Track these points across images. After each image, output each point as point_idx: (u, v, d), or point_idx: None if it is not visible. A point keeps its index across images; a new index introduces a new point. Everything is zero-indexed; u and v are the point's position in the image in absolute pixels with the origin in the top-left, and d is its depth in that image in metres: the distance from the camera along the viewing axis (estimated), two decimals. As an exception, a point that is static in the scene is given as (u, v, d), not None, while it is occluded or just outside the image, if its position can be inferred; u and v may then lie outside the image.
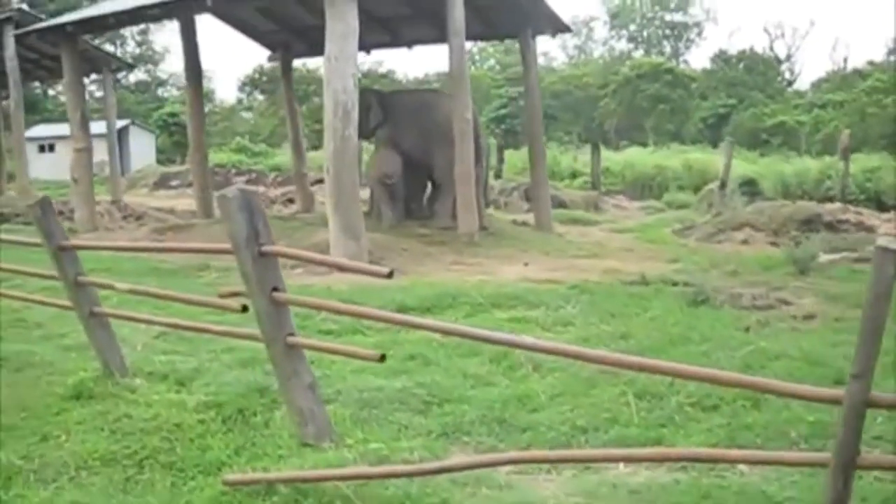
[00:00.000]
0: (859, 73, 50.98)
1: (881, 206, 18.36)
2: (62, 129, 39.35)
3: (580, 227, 17.96)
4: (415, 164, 14.79)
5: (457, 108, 13.42)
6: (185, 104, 46.75)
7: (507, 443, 5.06)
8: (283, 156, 33.27)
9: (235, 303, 4.96)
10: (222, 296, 5.16)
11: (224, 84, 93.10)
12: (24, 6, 26.86)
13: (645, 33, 74.05)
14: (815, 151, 36.94)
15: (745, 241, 14.59)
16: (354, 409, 5.48)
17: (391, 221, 14.50)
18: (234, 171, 28.92)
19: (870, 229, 14.57)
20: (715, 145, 41.22)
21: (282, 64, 18.65)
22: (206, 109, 51.26)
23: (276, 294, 4.71)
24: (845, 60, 56.42)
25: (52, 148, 35.84)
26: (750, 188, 22.00)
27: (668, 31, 74.08)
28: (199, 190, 16.68)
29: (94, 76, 25.22)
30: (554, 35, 16.20)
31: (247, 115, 50.23)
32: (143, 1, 13.77)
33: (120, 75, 44.59)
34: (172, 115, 41.77)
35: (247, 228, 4.61)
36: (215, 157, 35.91)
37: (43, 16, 21.81)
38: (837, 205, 16.07)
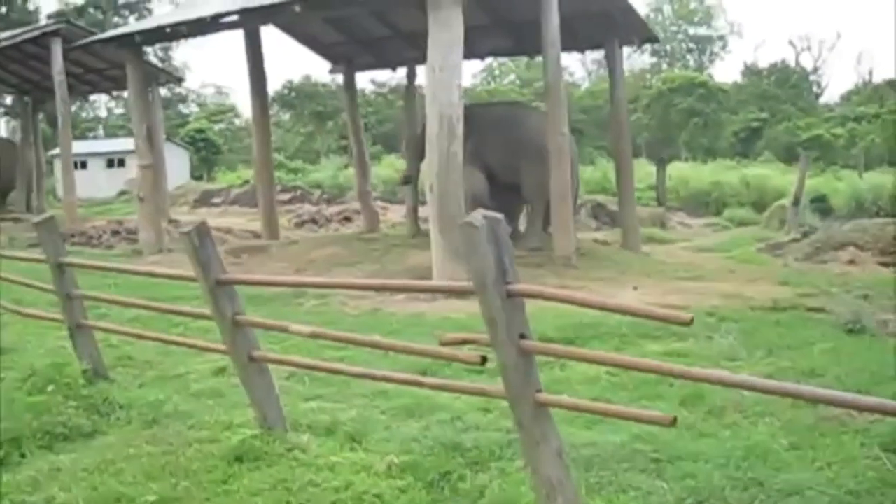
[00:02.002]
0: (891, 85, 50.20)
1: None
2: (92, 145, 38.85)
3: (659, 245, 17.08)
4: (501, 181, 13.93)
5: (553, 122, 12.62)
6: (209, 120, 47.12)
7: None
8: (320, 172, 32.58)
9: (473, 354, 4.10)
10: (446, 344, 4.28)
11: (244, 99, 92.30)
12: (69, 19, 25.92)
13: (668, 47, 73.26)
14: (852, 165, 36.24)
15: (851, 262, 13.72)
16: (580, 472, 4.64)
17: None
18: (279, 187, 27.94)
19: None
20: (747, 158, 40.49)
21: (345, 77, 17.85)
22: (233, 126, 51.36)
23: (524, 342, 3.86)
24: (870, 73, 55.70)
25: (84, 165, 34.91)
26: (821, 204, 21.14)
27: (692, 45, 73.40)
28: (265, 209, 15.83)
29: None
30: (640, 45, 15.38)
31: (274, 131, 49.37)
32: (213, 10, 13.04)
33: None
34: (200, 131, 41.11)
35: (495, 264, 3.76)
36: (246, 173, 35.33)
37: (94, 29, 21.09)
38: (938, 222, 15.19)
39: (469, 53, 16.53)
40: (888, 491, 4.47)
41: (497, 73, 69.62)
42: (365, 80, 57.04)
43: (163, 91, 56.20)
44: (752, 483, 4.53)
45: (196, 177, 38.10)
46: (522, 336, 3.87)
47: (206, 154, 40.89)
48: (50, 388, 6.04)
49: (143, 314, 8.78)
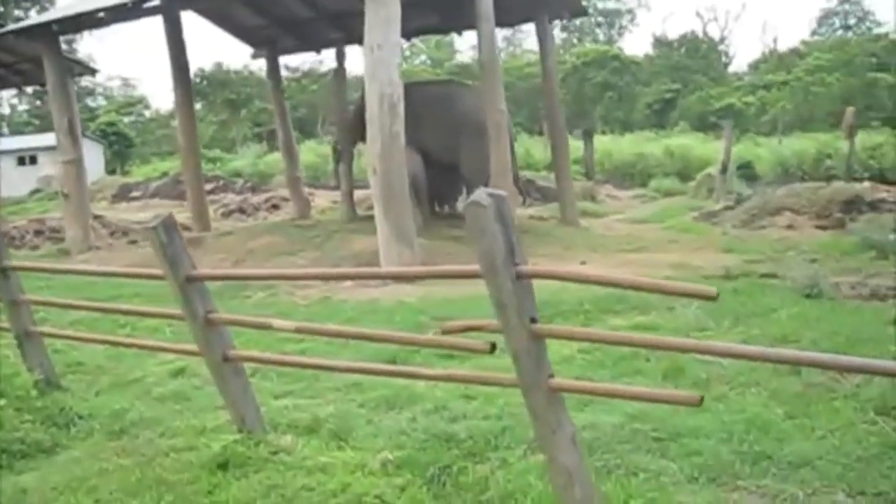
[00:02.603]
0: (797, 53, 51.32)
1: (888, 183, 17.80)
2: (1, 143, 37.07)
3: (594, 219, 17.06)
4: (437, 161, 13.68)
5: (490, 98, 12.42)
6: (118, 113, 45.63)
7: (793, 483, 4.13)
8: (239, 160, 31.85)
9: (481, 342, 3.87)
10: (448, 332, 4.04)
11: (151, 90, 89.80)
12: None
13: (578, 22, 73.51)
14: (765, 132, 36.92)
15: (790, 227, 13.85)
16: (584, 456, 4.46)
17: (417, 224, 13.37)
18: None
19: (913, 208, 13.97)
20: (663, 129, 40.94)
21: (268, 61, 17.30)
22: (142, 118, 49.88)
23: (535, 326, 3.66)
24: (775, 41, 56.88)
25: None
26: (747, 171, 21.40)
27: (601, 19, 73.76)
28: (195, 200, 15.27)
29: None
30: (570, 19, 15.21)
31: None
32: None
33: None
34: (111, 124, 39.79)
35: (504, 245, 3.55)
36: (163, 165, 34.34)
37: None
38: (867, 184, 15.44)
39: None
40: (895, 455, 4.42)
41: (408, 54, 69.05)
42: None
43: (69, 84, 54.41)
44: (760, 456, 4.44)
45: (110, 171, 36.84)
46: (533, 320, 3.68)
47: (118, 148, 39.57)
48: (1, 401, 5.63)
49: (86, 317, 8.37)
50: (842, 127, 19.81)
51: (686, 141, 28.41)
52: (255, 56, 17.37)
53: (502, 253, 3.53)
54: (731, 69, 58.66)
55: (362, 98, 15.23)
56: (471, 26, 17.19)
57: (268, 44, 16.86)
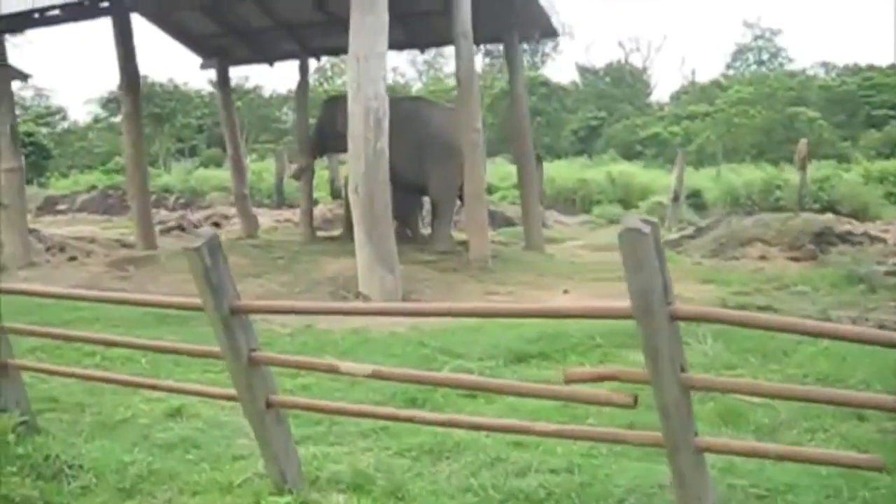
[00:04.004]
0: (718, 85, 52.39)
1: (839, 215, 17.85)
2: None
3: (551, 244, 16.61)
4: (402, 181, 13.01)
5: (466, 117, 11.86)
6: (36, 123, 43.68)
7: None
8: (168, 176, 30.70)
9: (620, 394, 3.28)
10: (574, 380, 3.43)
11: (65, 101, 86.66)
12: None
13: (500, 48, 73.60)
14: (690, 162, 37.36)
15: (762, 257, 13.61)
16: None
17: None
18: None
19: (880, 240, 13.89)
20: (588, 156, 41.05)
21: (218, 72, 16.43)
22: (59, 129, 47.88)
23: (685, 376, 3.12)
24: (693, 73, 58.02)
25: None
26: (696, 200, 21.33)
27: (524, 46, 74.17)
28: (140, 216, 14.26)
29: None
30: (539, 39, 14.77)
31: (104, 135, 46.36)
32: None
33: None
34: (29, 134, 37.88)
35: (662, 281, 2.99)
36: (84, 178, 32.85)
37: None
38: (829, 215, 15.38)
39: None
40: None
41: (329, 73, 68.29)
42: (202, 80, 54.68)
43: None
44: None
45: (26, 183, 35.03)
46: (682, 368, 3.13)
47: (35, 159, 37.68)
48: (-27, 449, 4.81)
49: (47, 344, 7.49)
50: (795, 158, 19.88)
51: (627, 168, 28.37)
52: (204, 66, 16.49)
53: (659, 290, 2.97)
54: (653, 99, 59.49)
55: (325, 112, 14.63)
56: (445, 42, 16.76)
57: (219, 54, 16.02)
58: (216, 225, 19.18)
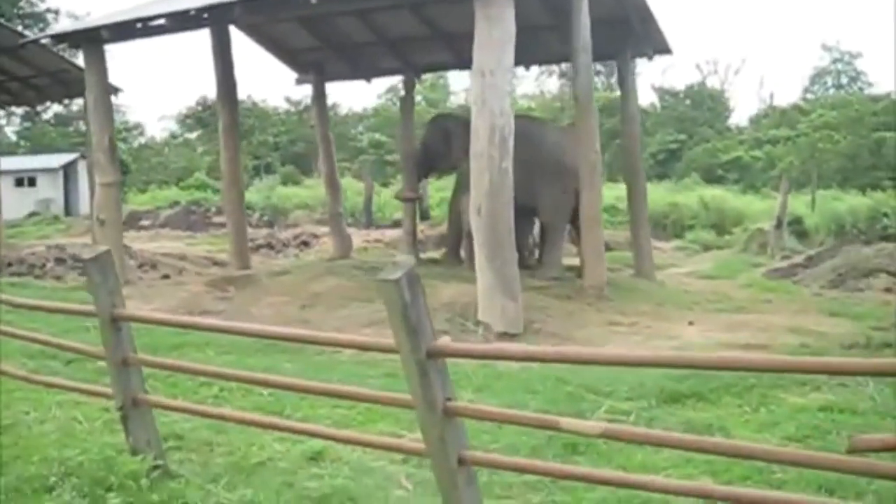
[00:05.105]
0: (799, 109, 51.12)
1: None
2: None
3: (657, 272, 15.86)
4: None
5: (585, 137, 11.23)
6: (116, 139, 44.01)
7: None
8: (251, 193, 30.54)
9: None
10: (860, 449, 2.75)
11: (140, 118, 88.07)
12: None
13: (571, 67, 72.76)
14: (772, 186, 36.29)
15: (888, 290, 12.73)
16: None
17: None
18: (213, 209, 25.69)
19: None
20: (668, 179, 40.10)
21: (314, 87, 15.97)
22: (136, 144, 48.31)
23: None
24: (771, 97, 56.73)
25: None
26: (797, 227, 20.38)
27: (599, 68, 73.30)
28: (236, 234, 13.82)
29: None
30: (652, 57, 14.07)
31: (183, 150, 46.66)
32: (187, 5, 11.26)
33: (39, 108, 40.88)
34: (109, 149, 38.29)
35: None
36: (163, 194, 32.86)
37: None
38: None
39: (460, 62, 15.17)
40: None
41: (402, 93, 68.05)
42: (278, 98, 54.89)
43: (58, 107, 52.77)
44: None
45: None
46: None
47: (116, 174, 38.13)
48: (109, 495, 4.30)
49: (157, 371, 7.00)
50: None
51: (718, 193, 27.45)
52: (299, 82, 16.09)
53: None
54: (731, 122, 58.28)
55: (432, 131, 14.10)
56: (554, 60, 16.23)
57: (315, 69, 15.59)
58: (305, 244, 18.81)
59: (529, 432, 5.43)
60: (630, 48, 13.50)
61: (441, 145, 13.44)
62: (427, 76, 29.18)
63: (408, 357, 3.34)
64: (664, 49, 13.82)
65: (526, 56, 13.95)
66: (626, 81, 14.14)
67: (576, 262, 13.76)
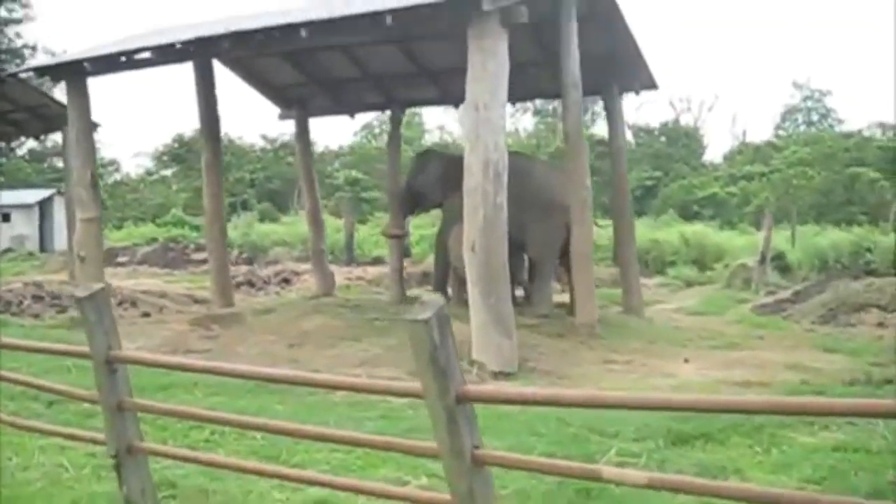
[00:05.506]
0: (772, 146, 51.66)
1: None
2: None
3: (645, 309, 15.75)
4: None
5: (575, 173, 11.14)
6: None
7: None
8: (229, 230, 30.25)
9: None
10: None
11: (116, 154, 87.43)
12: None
13: (551, 107, 73.25)
14: (748, 222, 36.49)
15: (880, 324, 12.65)
16: None
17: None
18: (192, 246, 25.35)
19: None
20: (645, 216, 40.21)
21: (297, 122, 15.78)
22: (111, 181, 47.85)
23: None
24: (744, 133, 57.35)
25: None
26: (780, 262, 20.33)
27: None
28: (218, 271, 13.56)
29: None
30: (639, 92, 14.02)
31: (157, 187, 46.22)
32: (172, 38, 11.11)
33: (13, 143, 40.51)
34: (84, 185, 37.85)
35: None
36: (138, 231, 32.47)
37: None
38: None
39: (445, 97, 15.08)
40: None
41: (377, 131, 68.38)
42: (254, 135, 54.62)
43: (32, 142, 52.24)
44: None
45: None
46: None
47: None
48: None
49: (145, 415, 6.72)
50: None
51: (699, 229, 27.47)
52: (282, 117, 15.91)
53: None
54: (706, 159, 58.71)
55: (417, 167, 13.95)
56: (540, 95, 16.17)
57: (299, 104, 15.44)
58: (286, 281, 18.54)
59: (538, 476, 5.24)
60: (617, 83, 13.45)
61: (427, 182, 13.31)
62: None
63: (435, 402, 3.14)
64: (650, 84, 13.77)
65: (514, 92, 13.88)
66: (613, 117, 14.07)
67: (562, 298, 13.66)
